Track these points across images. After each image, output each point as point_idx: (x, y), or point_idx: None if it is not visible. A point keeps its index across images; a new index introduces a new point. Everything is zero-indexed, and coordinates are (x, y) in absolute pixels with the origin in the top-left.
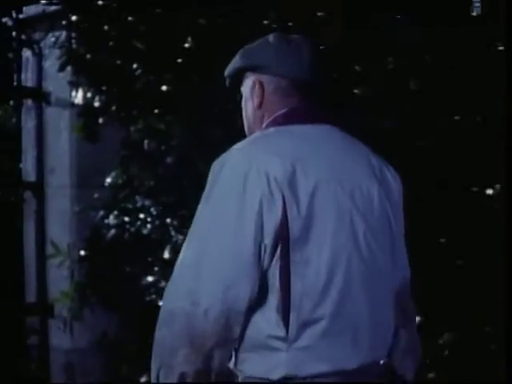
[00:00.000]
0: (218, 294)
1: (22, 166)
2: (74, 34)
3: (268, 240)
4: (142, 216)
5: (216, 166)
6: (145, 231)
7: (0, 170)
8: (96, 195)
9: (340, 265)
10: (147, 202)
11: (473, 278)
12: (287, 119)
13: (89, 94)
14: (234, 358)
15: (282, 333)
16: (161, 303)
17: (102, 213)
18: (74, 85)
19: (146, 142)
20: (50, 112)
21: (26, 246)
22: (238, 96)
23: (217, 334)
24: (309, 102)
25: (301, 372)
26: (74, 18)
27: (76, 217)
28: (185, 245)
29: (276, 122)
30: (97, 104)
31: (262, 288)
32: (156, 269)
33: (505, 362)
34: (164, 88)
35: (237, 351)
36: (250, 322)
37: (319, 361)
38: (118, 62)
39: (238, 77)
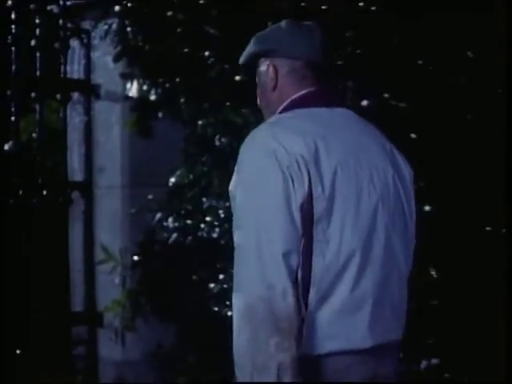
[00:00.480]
0: (285, 272)
1: (68, 164)
2: (128, 22)
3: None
4: (208, 219)
5: (245, 147)
6: (214, 235)
7: (45, 169)
8: (150, 196)
9: (359, 245)
10: (214, 203)
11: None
12: (304, 102)
13: (144, 87)
14: None
15: (301, 308)
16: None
17: (159, 215)
18: (128, 77)
19: (217, 137)
20: (100, 106)
21: (73, 251)
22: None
23: (297, 312)
24: (323, 85)
25: (317, 350)
26: (129, 4)
27: (128, 219)
28: (237, 234)
29: (293, 105)
30: (153, 97)
31: None
32: (222, 276)
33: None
34: (238, 78)
35: None
36: None
37: (335, 338)
38: (186, 49)
39: (253, 64)
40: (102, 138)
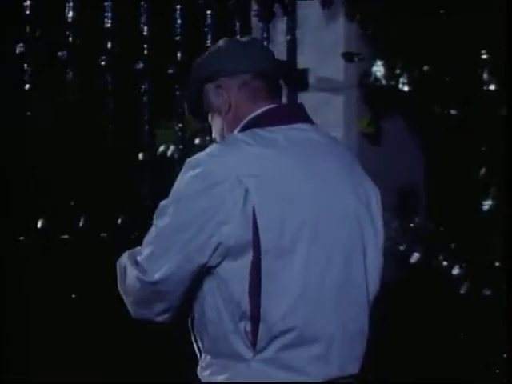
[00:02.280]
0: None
1: None
2: None
3: (235, 248)
4: None
5: (189, 167)
6: None
7: None
8: None
9: (313, 277)
10: None
11: None
12: (262, 121)
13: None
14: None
15: (249, 342)
16: None
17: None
18: (353, 58)
19: None
20: (308, 98)
21: None
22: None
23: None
24: (279, 100)
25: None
26: None
27: None
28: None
29: (251, 124)
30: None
31: (233, 296)
32: None
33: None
34: None
35: (201, 357)
36: (219, 330)
37: (284, 372)
38: None
39: (198, 95)
40: None
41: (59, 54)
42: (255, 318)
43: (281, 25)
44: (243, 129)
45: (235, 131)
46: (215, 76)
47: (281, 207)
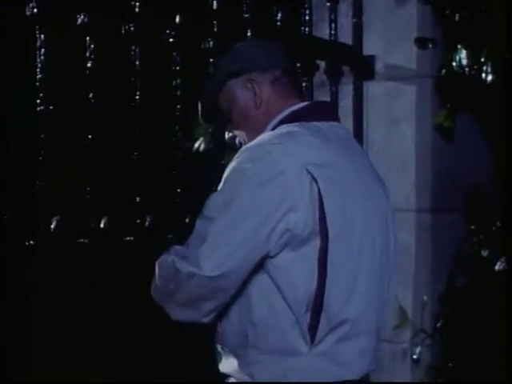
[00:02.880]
0: None
1: None
2: None
3: (300, 236)
4: None
5: (248, 156)
6: None
7: None
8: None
9: (364, 267)
10: None
11: None
12: (304, 115)
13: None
14: (232, 360)
15: (308, 335)
16: None
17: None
18: (427, 45)
19: None
20: (375, 89)
21: None
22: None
23: None
24: (303, 97)
25: (318, 378)
26: None
27: (424, 258)
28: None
29: (290, 119)
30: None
31: (295, 287)
32: None
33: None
34: None
35: (239, 353)
36: (272, 324)
37: (334, 366)
38: None
39: (216, 94)
40: (378, 138)
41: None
42: (318, 309)
43: (345, 6)
44: (280, 123)
45: (270, 126)
46: (245, 70)
47: (342, 195)
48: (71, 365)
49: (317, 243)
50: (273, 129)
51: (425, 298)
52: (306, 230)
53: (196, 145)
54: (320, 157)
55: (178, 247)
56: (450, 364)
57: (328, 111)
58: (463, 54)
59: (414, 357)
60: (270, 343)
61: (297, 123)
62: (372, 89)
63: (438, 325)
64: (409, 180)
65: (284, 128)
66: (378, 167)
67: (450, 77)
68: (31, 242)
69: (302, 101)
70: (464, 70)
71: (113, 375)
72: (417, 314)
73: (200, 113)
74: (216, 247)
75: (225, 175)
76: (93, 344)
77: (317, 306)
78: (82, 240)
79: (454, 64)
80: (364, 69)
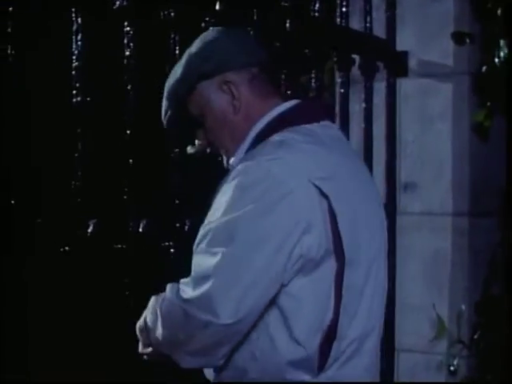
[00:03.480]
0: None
1: None
2: None
3: (314, 260)
4: None
5: (245, 176)
6: None
7: None
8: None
9: (370, 282)
10: None
11: None
12: (295, 118)
13: None
14: None
15: (315, 368)
16: None
17: None
18: (464, 39)
19: None
20: (408, 86)
21: None
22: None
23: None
24: (282, 95)
25: None
26: None
27: (460, 264)
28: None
29: (280, 123)
30: None
31: (307, 316)
32: None
33: None
34: None
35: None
36: (276, 356)
37: None
38: None
39: (183, 98)
40: (411, 138)
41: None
42: (331, 338)
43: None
44: (268, 128)
45: (254, 132)
46: (220, 70)
47: (351, 208)
48: (70, 365)
49: (332, 264)
50: (259, 135)
51: (463, 306)
52: (320, 251)
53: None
54: (323, 168)
55: (175, 286)
56: (489, 377)
57: (317, 110)
58: (506, 50)
59: (452, 368)
60: (272, 378)
61: (288, 128)
62: (405, 86)
63: (476, 336)
64: (445, 182)
65: (276, 137)
66: (411, 169)
67: (492, 74)
68: (66, 248)
69: (284, 99)
70: (507, 67)
71: (112, 376)
72: (453, 324)
73: (165, 118)
74: (228, 288)
75: (221, 200)
76: (92, 345)
77: (331, 335)
78: (119, 245)
79: (496, 61)
80: (397, 65)
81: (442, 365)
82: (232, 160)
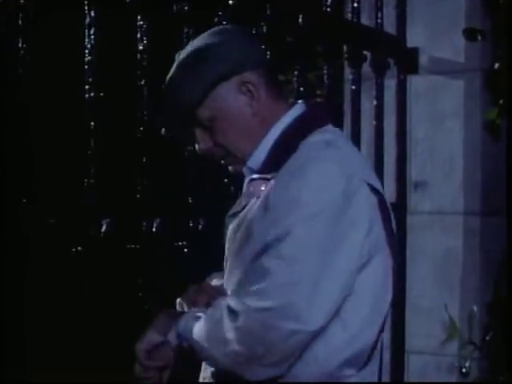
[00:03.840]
0: None
1: None
2: None
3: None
4: None
5: (309, 174)
6: None
7: None
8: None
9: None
10: None
11: None
12: (315, 122)
13: None
14: None
15: (366, 357)
16: None
17: None
18: (476, 36)
19: None
20: (419, 83)
21: None
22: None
23: None
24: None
25: None
26: None
27: (472, 265)
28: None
29: (300, 127)
30: None
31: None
32: None
33: None
34: None
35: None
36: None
37: None
38: None
39: (203, 98)
40: (422, 136)
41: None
42: (382, 329)
43: None
44: (296, 130)
45: (274, 133)
46: (237, 71)
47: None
48: (68, 366)
49: (383, 258)
50: (286, 136)
51: (474, 308)
52: (377, 246)
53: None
54: (363, 165)
55: (238, 298)
56: (501, 379)
57: (327, 110)
58: None
59: (464, 370)
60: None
61: (319, 129)
62: (416, 83)
63: (487, 337)
64: (456, 181)
65: (316, 138)
66: (422, 167)
67: (505, 71)
68: (79, 248)
69: (287, 101)
70: None
71: (111, 376)
72: (464, 325)
73: (166, 123)
74: (313, 293)
75: (290, 202)
76: (103, 346)
77: (383, 327)
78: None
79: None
80: (407, 62)
81: (453, 366)
82: (250, 161)
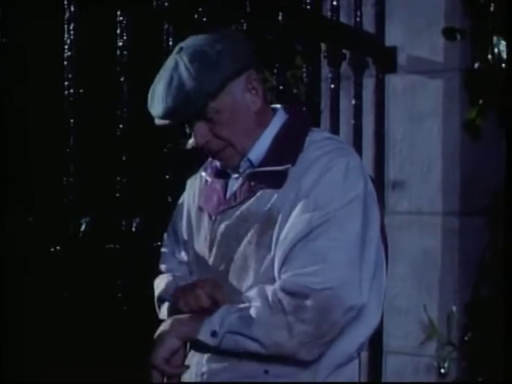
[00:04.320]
0: None
1: None
2: None
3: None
4: None
5: (341, 165)
6: None
7: None
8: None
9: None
10: None
11: None
12: (308, 122)
13: None
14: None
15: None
16: None
17: None
18: (455, 34)
19: None
20: (396, 82)
21: None
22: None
23: None
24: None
25: None
26: None
27: (450, 265)
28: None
29: (296, 127)
30: None
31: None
32: None
33: None
34: None
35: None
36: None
37: None
38: None
39: (216, 94)
40: (400, 136)
41: None
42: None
43: None
44: (294, 128)
45: (267, 135)
46: (246, 68)
47: None
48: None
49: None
50: (284, 133)
51: (453, 308)
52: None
53: (190, 141)
54: None
55: (299, 278)
56: (479, 379)
57: (309, 117)
58: (502, 45)
59: (442, 371)
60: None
61: (313, 129)
62: (394, 82)
63: (466, 338)
64: (434, 181)
65: (316, 136)
66: (400, 167)
67: (485, 70)
68: (57, 247)
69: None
70: (501, 64)
71: (107, 376)
72: (443, 325)
73: (169, 117)
74: (360, 273)
75: (325, 192)
76: (68, 345)
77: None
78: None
79: (489, 57)
80: (386, 61)
81: (432, 367)
82: (251, 154)
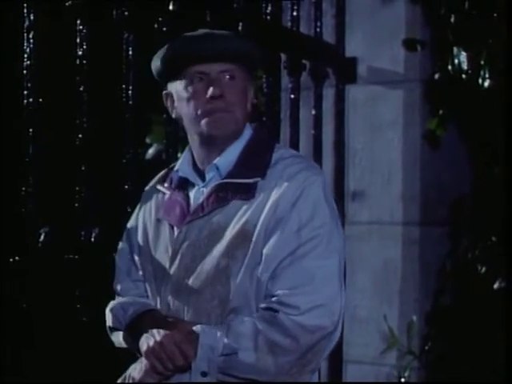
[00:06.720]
0: None
1: None
2: None
3: None
4: None
5: (318, 179)
6: None
7: None
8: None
9: None
10: None
11: None
12: (271, 138)
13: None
14: None
15: None
16: None
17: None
18: (416, 47)
19: None
20: (357, 93)
21: None
22: None
23: None
24: None
25: None
26: None
27: (411, 274)
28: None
29: (267, 139)
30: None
31: None
32: None
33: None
34: None
35: None
36: None
37: None
38: None
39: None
40: (360, 146)
41: None
42: None
43: (328, 3)
44: (263, 142)
45: (244, 138)
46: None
47: None
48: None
49: None
50: (255, 145)
51: (414, 317)
52: None
53: (149, 151)
54: None
55: (279, 302)
56: None
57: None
58: (462, 56)
59: (403, 380)
60: None
61: (277, 145)
62: (354, 93)
63: (427, 347)
64: (395, 191)
65: (284, 152)
66: (360, 177)
67: (446, 81)
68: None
69: None
70: (461, 74)
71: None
72: (403, 335)
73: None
74: (340, 290)
75: (306, 210)
76: (25, 357)
77: None
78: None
79: (449, 68)
80: (346, 71)
81: (392, 376)
82: (219, 161)
